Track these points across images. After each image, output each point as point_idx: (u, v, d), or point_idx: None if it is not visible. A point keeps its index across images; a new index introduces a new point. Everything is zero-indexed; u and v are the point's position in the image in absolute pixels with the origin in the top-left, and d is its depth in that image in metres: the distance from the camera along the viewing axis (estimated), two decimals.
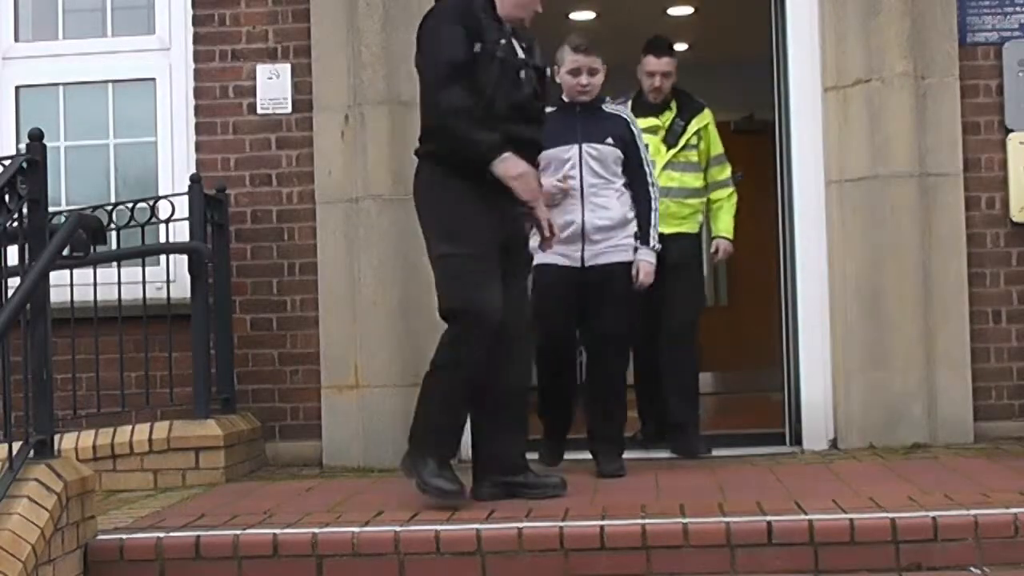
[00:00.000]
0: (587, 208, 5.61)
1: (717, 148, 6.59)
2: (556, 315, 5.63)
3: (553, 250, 5.41)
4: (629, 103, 6.40)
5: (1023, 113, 6.46)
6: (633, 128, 5.79)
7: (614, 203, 5.66)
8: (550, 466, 5.79)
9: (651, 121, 6.39)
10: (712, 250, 6.75)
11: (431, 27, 4.95)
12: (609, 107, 5.84)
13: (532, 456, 5.45)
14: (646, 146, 5.86)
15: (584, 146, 5.64)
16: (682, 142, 6.42)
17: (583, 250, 5.63)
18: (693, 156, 6.48)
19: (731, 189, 6.65)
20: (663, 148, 6.39)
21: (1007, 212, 6.46)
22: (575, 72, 5.67)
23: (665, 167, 6.35)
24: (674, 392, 6.37)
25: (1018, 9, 6.51)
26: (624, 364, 5.86)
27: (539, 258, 5.45)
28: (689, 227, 6.46)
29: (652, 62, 6.44)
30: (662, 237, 5.88)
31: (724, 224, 6.67)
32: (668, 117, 6.47)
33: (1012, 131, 6.46)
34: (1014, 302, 6.47)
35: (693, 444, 6.23)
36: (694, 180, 6.48)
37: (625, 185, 5.70)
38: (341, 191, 6.49)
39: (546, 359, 5.74)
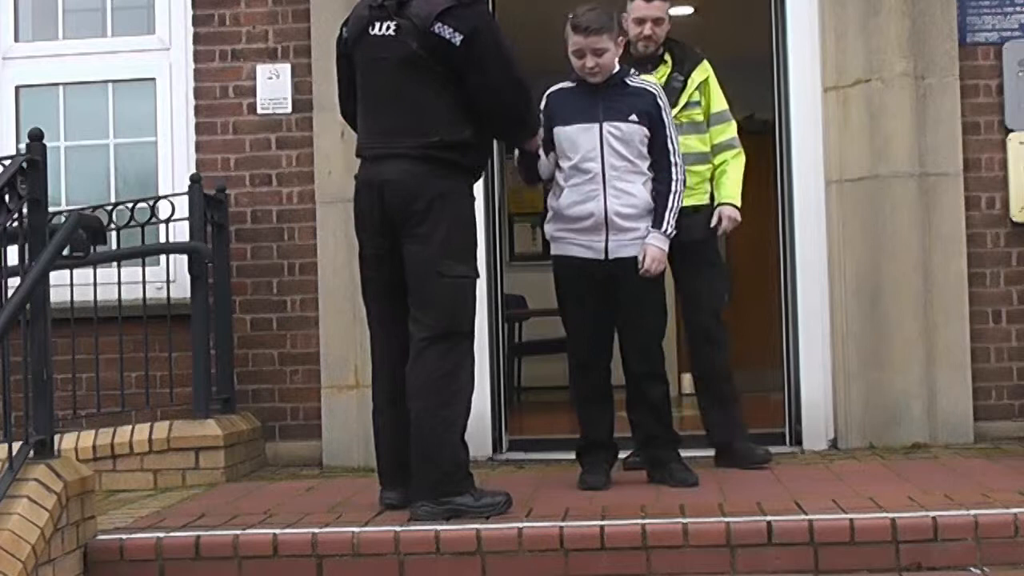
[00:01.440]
0: (609, 194, 5.15)
1: (719, 104, 5.85)
2: (580, 310, 5.27)
3: (574, 241, 5.22)
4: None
5: (1023, 113, 6.46)
6: (660, 102, 5.29)
7: (639, 188, 5.21)
8: (594, 488, 5.20)
9: (645, 78, 5.63)
10: (715, 220, 5.78)
11: (503, 44, 4.71)
12: (634, 80, 5.33)
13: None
14: (672, 121, 5.35)
15: (606, 125, 5.18)
16: (684, 99, 5.72)
17: (607, 240, 5.18)
18: (698, 115, 5.79)
19: (737, 149, 5.86)
20: None
21: (1007, 212, 6.46)
22: (579, 54, 5.19)
23: None
24: (710, 402, 5.84)
25: (1018, 9, 6.51)
26: (662, 362, 5.40)
27: (557, 249, 5.28)
28: (698, 198, 5.76)
29: (640, 7, 5.67)
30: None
31: (728, 188, 5.80)
32: (664, 72, 5.74)
33: (1012, 131, 6.46)
34: (1014, 302, 6.47)
35: (750, 455, 5.75)
36: (700, 143, 5.77)
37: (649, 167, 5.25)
38: (341, 191, 6.46)
39: (574, 356, 5.37)
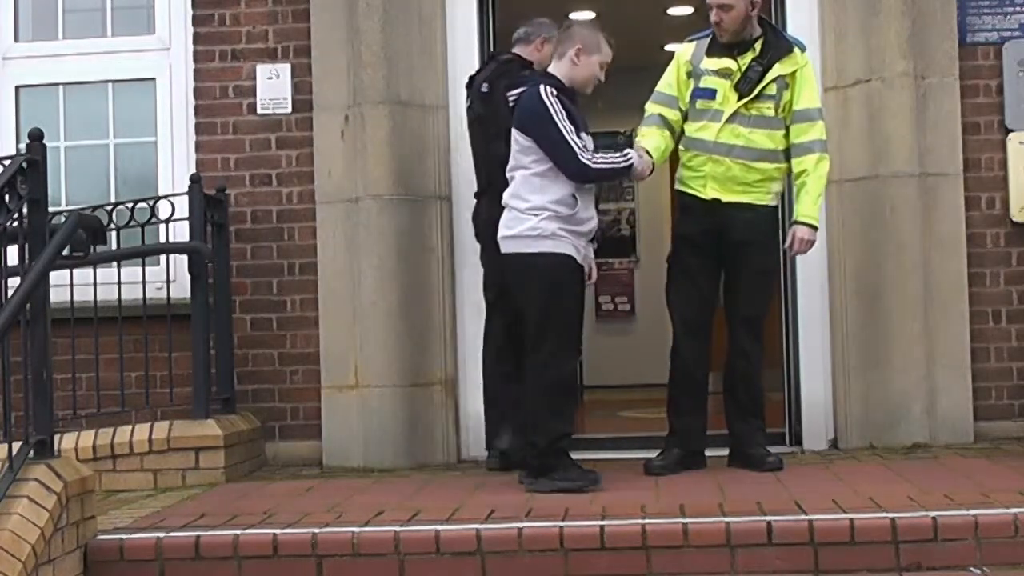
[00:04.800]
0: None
1: (807, 100, 5.57)
2: (577, 305, 5.37)
3: (572, 243, 5.24)
4: (708, 39, 5.67)
5: (1023, 113, 6.46)
6: None
7: None
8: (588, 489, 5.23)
9: (725, 63, 5.57)
10: (788, 241, 5.65)
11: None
12: None
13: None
14: None
15: (586, 137, 5.36)
16: (756, 91, 5.52)
17: (585, 249, 5.38)
18: (768, 109, 5.55)
19: (818, 154, 5.56)
20: (732, 96, 5.54)
21: (1007, 212, 6.46)
22: (603, 67, 5.44)
23: (730, 119, 5.54)
24: (733, 407, 5.76)
25: (1018, 9, 6.51)
26: None
27: (558, 247, 5.21)
28: (756, 197, 5.58)
29: None
30: (719, 204, 5.53)
31: (805, 205, 5.54)
32: (748, 59, 5.55)
33: (1012, 131, 6.46)
34: (1014, 302, 6.47)
35: (762, 462, 5.63)
36: (766, 139, 5.55)
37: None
38: (341, 191, 6.49)
39: (572, 350, 5.37)
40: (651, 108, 5.79)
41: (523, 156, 5.30)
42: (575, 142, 5.21)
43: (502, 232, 5.37)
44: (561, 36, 5.47)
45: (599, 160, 5.30)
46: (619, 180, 5.52)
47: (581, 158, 5.21)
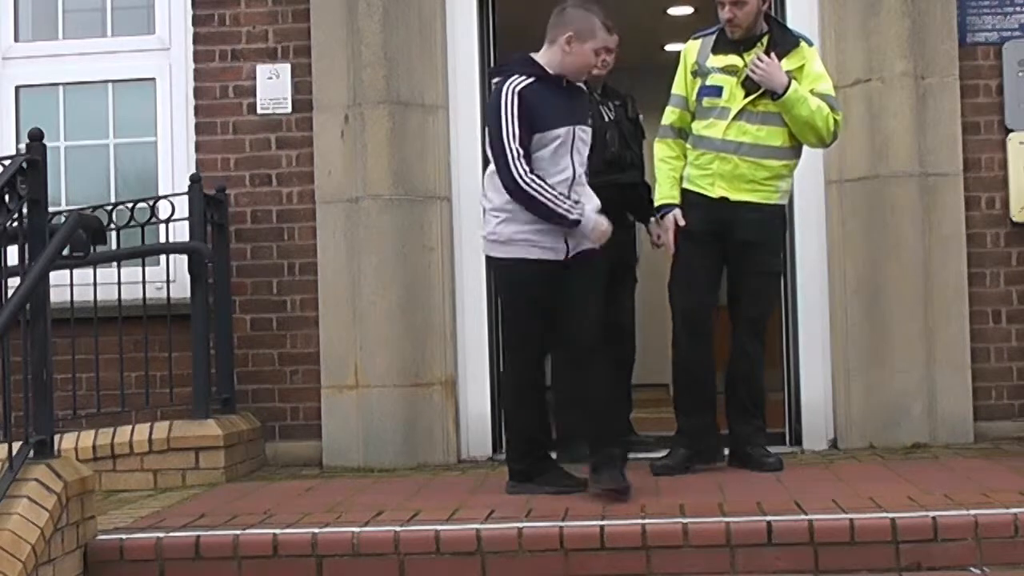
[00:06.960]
0: (577, 197, 5.09)
1: (820, 89, 5.54)
2: (537, 311, 5.09)
3: (535, 244, 5.03)
4: (714, 36, 5.62)
5: (1023, 113, 6.46)
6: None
7: (590, 189, 5.21)
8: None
9: (731, 60, 5.53)
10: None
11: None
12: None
13: None
14: None
15: (576, 128, 5.13)
16: (761, 88, 5.48)
17: (567, 240, 5.06)
18: (774, 106, 5.49)
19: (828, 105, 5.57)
20: (739, 93, 5.50)
21: (1007, 212, 6.46)
22: (599, 52, 5.28)
23: (737, 116, 5.50)
24: (733, 407, 5.73)
25: (1018, 9, 6.51)
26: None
27: (513, 252, 5.06)
28: (764, 196, 5.54)
29: None
30: (726, 203, 5.49)
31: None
32: (754, 55, 5.51)
33: (1012, 131, 6.46)
34: (1014, 302, 6.47)
35: (762, 462, 5.59)
36: (773, 136, 5.51)
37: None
38: (341, 191, 6.49)
39: (527, 355, 5.19)
40: (668, 116, 5.73)
41: (489, 151, 5.14)
42: (513, 149, 4.95)
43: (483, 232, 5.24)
44: (554, 20, 5.18)
45: (536, 185, 4.95)
46: (558, 223, 5.05)
47: (512, 167, 4.92)
